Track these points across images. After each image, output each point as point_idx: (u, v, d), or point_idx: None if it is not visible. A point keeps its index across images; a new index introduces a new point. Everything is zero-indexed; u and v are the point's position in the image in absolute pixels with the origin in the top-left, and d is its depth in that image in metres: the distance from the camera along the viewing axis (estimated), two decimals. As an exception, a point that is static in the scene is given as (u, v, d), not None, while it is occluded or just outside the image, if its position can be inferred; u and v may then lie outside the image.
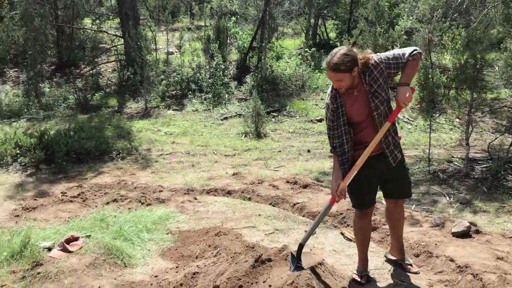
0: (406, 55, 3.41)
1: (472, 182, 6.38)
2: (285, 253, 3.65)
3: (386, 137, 3.52)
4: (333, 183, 3.58)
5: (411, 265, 4.03)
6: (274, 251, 3.73)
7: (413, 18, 13.28)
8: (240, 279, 3.36)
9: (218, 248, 4.33)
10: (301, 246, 3.57)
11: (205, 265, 3.91)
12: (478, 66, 6.40)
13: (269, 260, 3.56)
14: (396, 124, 3.71)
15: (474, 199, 5.83)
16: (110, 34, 15.75)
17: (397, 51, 3.48)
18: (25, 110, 11.37)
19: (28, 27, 12.25)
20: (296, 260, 3.50)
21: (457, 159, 7.37)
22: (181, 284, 3.76)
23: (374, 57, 3.47)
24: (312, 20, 16.56)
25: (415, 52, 3.40)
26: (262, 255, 3.57)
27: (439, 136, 9.04)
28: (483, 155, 7.55)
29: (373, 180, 3.67)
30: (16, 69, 14.84)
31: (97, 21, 16.00)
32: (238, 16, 16.26)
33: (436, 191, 6.24)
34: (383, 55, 3.49)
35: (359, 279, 3.82)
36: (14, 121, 10.61)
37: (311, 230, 3.69)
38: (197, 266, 3.97)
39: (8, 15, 13.55)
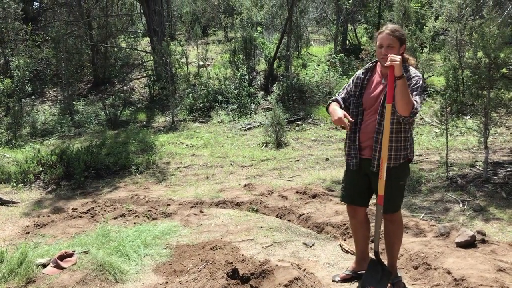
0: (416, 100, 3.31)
1: (491, 188, 6.03)
2: (265, 267, 3.56)
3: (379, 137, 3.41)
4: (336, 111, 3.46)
5: (393, 284, 3.79)
6: (255, 266, 3.65)
7: (441, 18, 12.84)
8: (211, 296, 3.29)
9: (205, 263, 4.27)
10: (376, 254, 3.67)
11: (187, 281, 3.86)
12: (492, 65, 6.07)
13: (246, 276, 3.47)
14: (404, 139, 3.50)
15: (489, 205, 5.49)
16: (140, 50, 16.14)
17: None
18: (58, 128, 11.80)
19: (59, 48, 12.73)
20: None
21: (480, 163, 6.99)
22: (162, 300, 3.74)
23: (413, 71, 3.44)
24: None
25: (415, 108, 3.27)
26: (237, 271, 3.48)
27: (466, 139, 8.62)
28: (510, 158, 7.14)
29: (359, 178, 3.65)
30: (55, 89, 15.47)
31: (128, 39, 16.46)
32: (264, 26, 16.26)
33: (451, 198, 5.92)
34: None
35: (338, 278, 3.90)
36: (46, 139, 11.01)
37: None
38: (179, 282, 3.93)
39: (41, 38, 14.14)
